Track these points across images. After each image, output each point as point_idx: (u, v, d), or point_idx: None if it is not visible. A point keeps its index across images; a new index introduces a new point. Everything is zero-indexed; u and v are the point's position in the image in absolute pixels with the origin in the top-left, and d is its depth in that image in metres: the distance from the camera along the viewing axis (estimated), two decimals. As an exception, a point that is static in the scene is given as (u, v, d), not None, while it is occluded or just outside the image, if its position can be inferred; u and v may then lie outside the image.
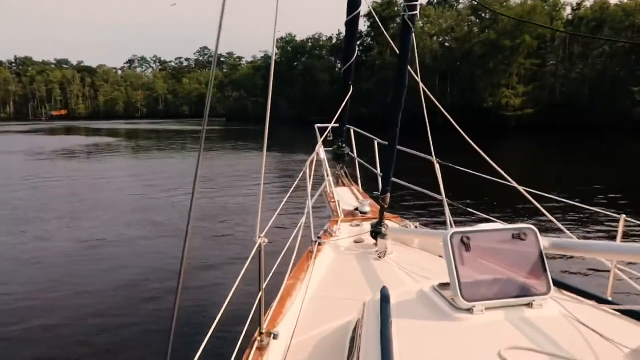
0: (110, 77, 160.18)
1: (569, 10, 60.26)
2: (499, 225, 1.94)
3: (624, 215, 3.03)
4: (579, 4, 59.80)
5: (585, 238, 9.15)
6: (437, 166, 4.07)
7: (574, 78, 57.20)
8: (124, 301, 6.90)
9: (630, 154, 30.55)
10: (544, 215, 3.41)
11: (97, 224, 11.68)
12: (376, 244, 3.72)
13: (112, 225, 11.52)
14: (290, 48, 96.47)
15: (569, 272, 7.41)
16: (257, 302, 2.35)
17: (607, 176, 19.51)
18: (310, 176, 4.22)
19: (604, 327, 1.62)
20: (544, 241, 1.86)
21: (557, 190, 14.58)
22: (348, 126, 5.61)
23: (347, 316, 2.37)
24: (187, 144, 42.40)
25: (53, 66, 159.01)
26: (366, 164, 5.84)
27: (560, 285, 1.93)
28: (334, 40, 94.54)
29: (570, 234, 3.27)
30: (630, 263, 2.90)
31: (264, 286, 2.38)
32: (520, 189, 3.56)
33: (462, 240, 1.80)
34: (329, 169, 5.46)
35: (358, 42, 5.25)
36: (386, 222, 3.77)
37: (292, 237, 3.32)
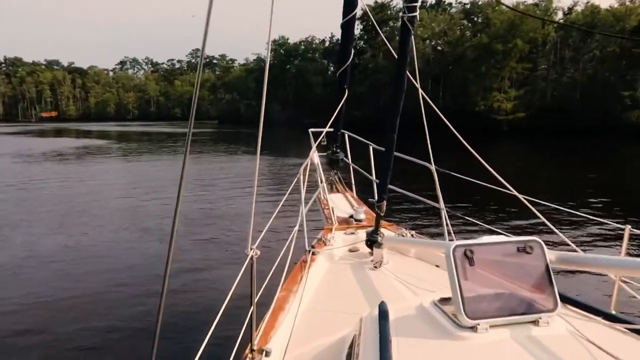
0: (102, 78, 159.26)
1: (560, 14, 60.87)
2: (503, 237, 1.85)
3: (629, 226, 2.93)
4: (570, 9, 60.46)
5: (586, 248, 8.93)
6: (435, 173, 3.96)
7: (565, 82, 57.68)
8: (107, 312, 6.69)
9: (623, 158, 30.80)
10: (543, 224, 3.30)
11: (84, 229, 11.46)
12: (371, 253, 3.60)
13: (100, 230, 11.32)
14: (282, 51, 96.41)
15: (569, 283, 7.22)
16: (248, 318, 2.24)
17: (600, 181, 19.59)
18: (304, 182, 4.12)
19: (613, 345, 1.54)
20: (550, 255, 1.78)
21: (551, 194, 14.60)
22: (342, 131, 5.47)
23: (342, 330, 2.27)
24: (179, 146, 42.14)
25: (43, 67, 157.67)
26: (361, 170, 5.73)
27: (565, 300, 1.84)
28: (327, 43, 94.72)
29: (574, 246, 3.15)
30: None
31: (255, 300, 2.28)
32: (521, 197, 3.46)
33: (465, 254, 1.71)
34: (323, 175, 5.34)
35: None
36: (382, 230, 3.67)
37: (285, 246, 3.21)
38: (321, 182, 5.26)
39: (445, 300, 1.81)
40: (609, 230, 9.95)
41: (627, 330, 1.69)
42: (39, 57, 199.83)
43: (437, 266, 3.45)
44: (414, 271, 3.36)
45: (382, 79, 65.05)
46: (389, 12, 73.40)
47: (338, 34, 4.68)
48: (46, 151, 36.14)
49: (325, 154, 5.59)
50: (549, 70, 59.62)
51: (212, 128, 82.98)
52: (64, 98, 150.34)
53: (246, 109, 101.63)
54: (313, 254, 3.67)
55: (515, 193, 3.50)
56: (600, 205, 13.79)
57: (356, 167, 5.97)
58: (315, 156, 5.06)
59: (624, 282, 2.87)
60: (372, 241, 3.59)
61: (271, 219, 2.94)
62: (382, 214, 3.68)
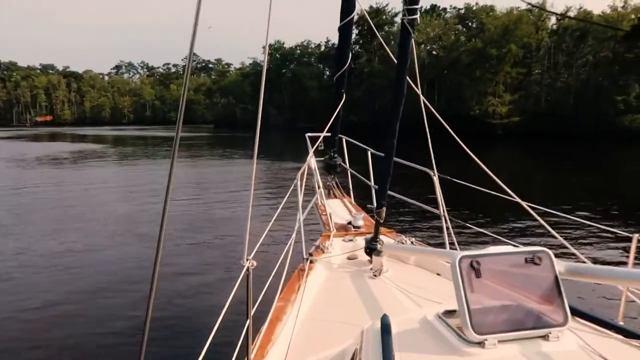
0: (97, 82, 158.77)
1: (553, 20, 61.29)
2: (510, 248, 1.79)
3: (636, 235, 2.84)
4: (563, 14, 60.82)
5: (589, 256, 8.70)
6: (436, 179, 3.87)
7: (558, 87, 58.05)
8: (100, 318, 6.63)
9: (617, 162, 30.98)
10: (546, 231, 3.22)
11: (78, 235, 11.38)
12: (371, 261, 3.52)
13: (94, 236, 11.23)
14: (278, 55, 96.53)
15: (571, 293, 7.00)
16: (244, 331, 2.18)
17: (595, 185, 19.66)
18: (301, 188, 4.04)
19: None
20: (559, 266, 1.72)
21: (547, 199, 14.60)
22: (340, 135, 5.41)
23: (342, 342, 2.22)
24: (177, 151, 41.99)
25: (38, 71, 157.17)
26: (359, 176, 5.66)
27: (575, 312, 1.77)
28: (322, 48, 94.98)
29: (580, 255, 3.04)
30: None
31: (252, 312, 2.23)
32: (524, 204, 3.37)
33: (471, 265, 1.64)
34: (320, 181, 5.24)
35: None
36: (381, 237, 3.59)
37: (282, 254, 3.16)
38: (318, 187, 5.17)
39: (450, 313, 1.75)
40: (613, 238, 9.68)
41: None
42: (33, 62, 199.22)
43: (438, 274, 3.40)
44: (415, 280, 3.29)
45: (378, 84, 65.25)
46: (384, 17, 73.76)
47: (333, 39, 4.70)
48: (40, 156, 35.95)
49: (322, 159, 5.48)
50: (543, 75, 60.00)
51: (208, 132, 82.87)
52: (59, 102, 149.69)
53: (242, 113, 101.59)
54: (311, 261, 3.59)
55: (518, 200, 3.43)
56: (598, 210, 13.78)
57: (354, 172, 5.88)
58: (312, 161, 4.97)
59: (631, 292, 2.77)
60: (372, 249, 3.50)
61: (268, 227, 2.88)
62: (381, 221, 3.60)
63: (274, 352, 2.40)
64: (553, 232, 3.16)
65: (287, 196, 3.54)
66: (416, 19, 3.16)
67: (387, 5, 75.36)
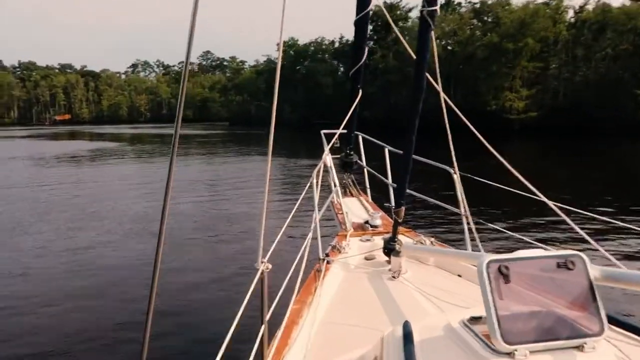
0: (114, 81, 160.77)
1: (571, 13, 60.24)
2: (540, 251, 1.67)
3: None
4: (581, 7, 59.78)
5: (626, 260, 8.18)
6: (457, 177, 3.72)
7: (577, 81, 57.06)
8: (113, 316, 6.59)
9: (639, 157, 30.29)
10: (574, 232, 3.02)
11: (94, 233, 11.44)
12: (389, 262, 3.43)
13: (109, 235, 11.24)
14: (292, 52, 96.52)
15: (610, 299, 6.33)
16: (259, 336, 2.12)
17: (619, 182, 19.02)
18: (317, 187, 3.94)
19: None
20: (594, 271, 1.61)
21: (569, 196, 13.95)
22: (356, 132, 5.28)
23: (361, 347, 2.14)
24: (192, 148, 42.40)
25: (57, 70, 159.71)
26: (376, 173, 5.55)
27: (611, 321, 1.64)
28: (337, 44, 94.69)
29: (616, 261, 2.80)
30: None
31: (267, 318, 2.15)
32: (550, 204, 3.18)
33: (499, 270, 1.54)
34: (336, 178, 5.12)
35: None
36: (399, 237, 3.49)
37: (298, 254, 3.10)
38: (335, 185, 5.07)
39: (475, 320, 1.66)
40: None
41: None
42: (52, 61, 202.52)
43: (459, 276, 3.31)
44: (435, 281, 3.20)
45: (393, 80, 64.91)
46: (398, 12, 73.25)
47: (348, 35, 4.62)
48: (59, 154, 36.54)
49: (338, 156, 5.36)
50: (561, 69, 59.04)
51: (223, 129, 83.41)
52: (77, 101, 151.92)
53: (257, 110, 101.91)
54: (327, 262, 3.51)
55: (545, 199, 3.26)
56: (628, 209, 13.26)
57: (371, 170, 5.76)
58: (328, 159, 4.84)
59: None
60: (390, 249, 3.40)
61: (283, 228, 2.83)
62: (400, 221, 3.48)
63: (290, 357, 2.32)
64: (583, 234, 2.96)
65: (302, 195, 3.48)
66: (436, 10, 2.99)
67: (401, 0, 74.88)
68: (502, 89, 58.43)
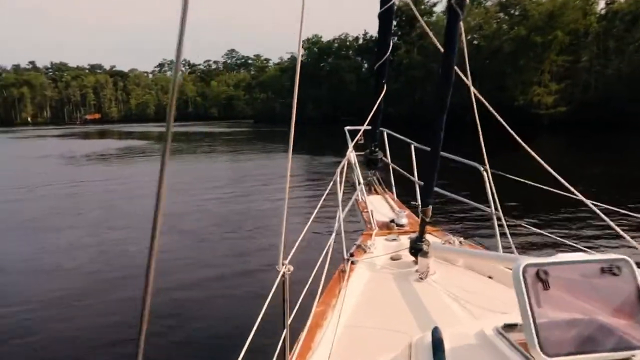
0: (142, 80, 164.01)
1: (602, 4, 58.44)
2: (582, 255, 1.56)
3: None
4: (613, -2, 57.97)
5: None
6: (487, 175, 3.56)
7: (609, 74, 55.31)
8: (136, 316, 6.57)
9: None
10: (616, 234, 2.83)
11: (121, 232, 11.47)
12: (416, 262, 3.32)
13: (136, 234, 11.09)
14: (316, 49, 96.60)
15: None
16: (281, 341, 2.03)
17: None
18: (341, 185, 3.82)
19: None
20: None
21: (605, 196, 13.10)
22: (381, 129, 5.15)
23: (388, 352, 2.06)
24: (217, 146, 42.90)
25: (87, 71, 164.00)
26: (402, 171, 5.42)
27: None
28: (360, 40, 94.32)
29: None
30: None
31: (289, 322, 2.06)
32: (588, 202, 3.02)
33: (537, 275, 1.44)
34: (361, 176, 4.98)
35: None
36: (427, 237, 3.38)
37: (322, 254, 3.01)
38: (359, 183, 4.95)
39: (510, 328, 1.56)
40: None
41: None
42: (82, 62, 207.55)
43: (489, 277, 3.18)
44: (465, 283, 3.08)
45: (417, 75, 64.25)
46: (422, 6, 72.40)
47: (372, 31, 4.52)
48: (89, 153, 37.38)
49: (362, 153, 5.20)
50: (592, 61, 57.34)
51: (247, 127, 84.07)
52: (106, 100, 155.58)
53: (281, 107, 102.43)
54: (352, 262, 3.40)
55: (582, 198, 3.08)
56: None
57: (397, 167, 5.63)
58: (352, 156, 4.71)
59: None
60: (417, 249, 3.27)
61: (306, 227, 2.74)
62: (427, 220, 3.37)
63: None
64: (627, 237, 2.72)
65: (325, 193, 3.39)
66: (465, 0, 2.88)
67: (425, -6, 73.98)
68: (530, 83, 57.12)
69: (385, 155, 5.62)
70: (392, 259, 3.63)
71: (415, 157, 5.17)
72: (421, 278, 3.16)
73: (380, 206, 5.14)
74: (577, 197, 3.10)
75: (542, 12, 56.64)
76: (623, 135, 38.25)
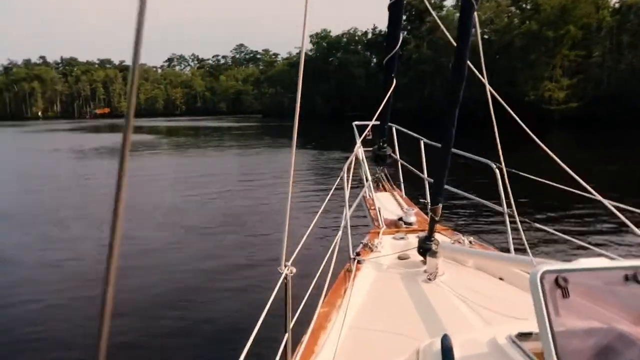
0: (150, 75, 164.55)
1: (616, -2, 57.49)
2: (605, 261, 1.46)
3: None
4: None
5: None
6: (500, 173, 3.44)
7: (622, 69, 54.56)
8: (140, 313, 6.29)
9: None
10: (636, 237, 2.76)
11: (126, 226, 11.36)
12: (424, 262, 3.23)
13: (142, 229, 10.98)
14: (325, 44, 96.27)
15: None
16: (282, 345, 1.95)
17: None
18: (348, 181, 3.72)
19: None
20: None
21: (619, 193, 12.87)
22: (390, 124, 5.00)
23: (394, 356, 1.99)
24: (226, 140, 42.98)
25: (96, 66, 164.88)
26: (411, 167, 5.32)
27: None
28: (369, 35, 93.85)
29: None
30: None
31: (291, 325, 1.98)
32: (606, 202, 2.89)
33: (556, 282, 1.34)
34: (368, 172, 4.88)
35: None
36: (436, 236, 3.29)
37: (327, 253, 2.93)
38: (367, 179, 4.84)
39: (525, 336, 1.49)
40: None
41: None
42: (92, 57, 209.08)
43: (500, 279, 3.08)
44: (475, 285, 2.98)
45: (427, 70, 63.80)
46: (432, 0, 71.78)
47: (381, 26, 4.42)
48: (97, 147, 37.55)
49: (370, 149, 5.05)
50: (605, 57, 56.57)
51: (256, 122, 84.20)
52: (116, 95, 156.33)
53: (290, 102, 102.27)
54: (358, 262, 3.32)
55: (600, 198, 2.96)
56: None
57: (406, 164, 5.52)
58: (360, 152, 4.61)
59: None
60: (426, 249, 3.19)
61: (312, 224, 2.64)
62: (437, 219, 3.26)
63: None
64: None
65: (332, 190, 3.32)
66: None
67: (436, -12, 73.34)
68: (542, 78, 56.47)
69: (394, 151, 5.51)
70: (400, 258, 3.54)
71: (425, 153, 5.08)
72: (429, 279, 3.07)
73: (388, 204, 5.06)
74: (595, 197, 2.97)
75: (554, 6, 55.85)
76: (635, 131, 37.68)
